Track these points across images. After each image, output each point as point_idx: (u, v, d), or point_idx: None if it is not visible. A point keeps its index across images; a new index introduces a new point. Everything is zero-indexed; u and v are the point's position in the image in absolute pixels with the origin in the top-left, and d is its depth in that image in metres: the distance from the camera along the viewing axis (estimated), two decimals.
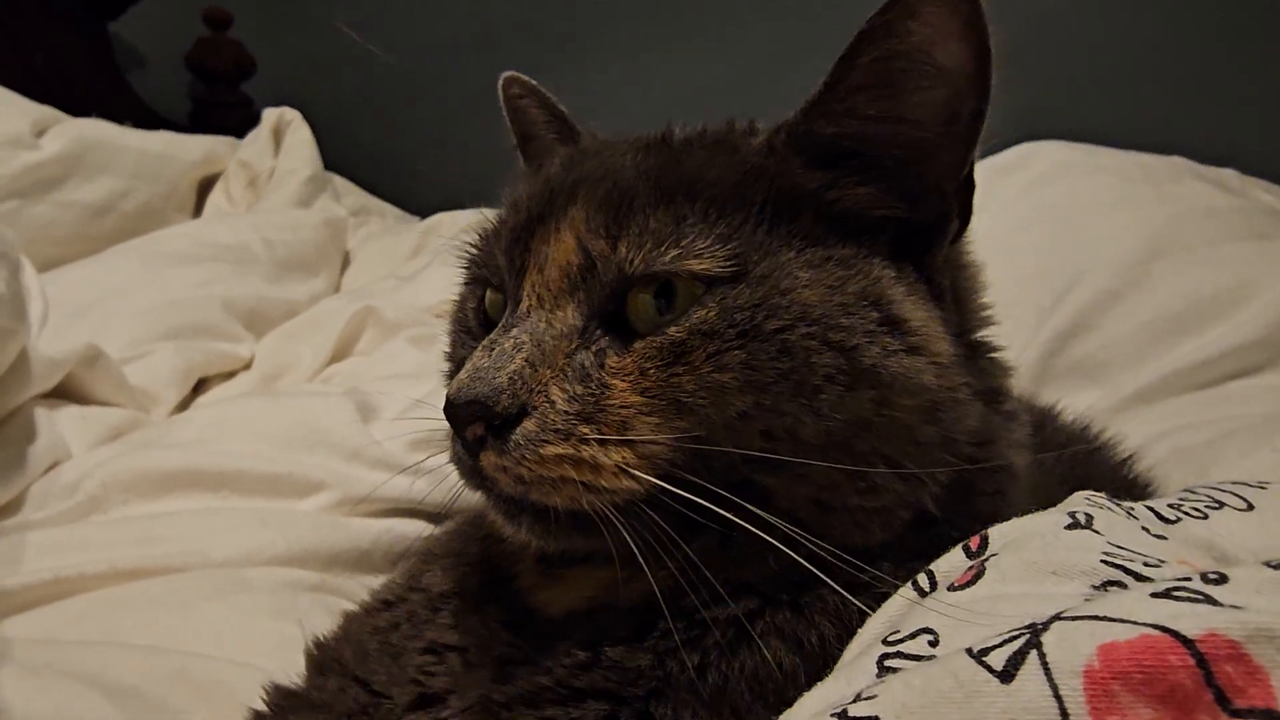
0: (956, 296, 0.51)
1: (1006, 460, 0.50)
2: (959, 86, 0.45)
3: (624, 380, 0.43)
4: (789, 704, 0.41)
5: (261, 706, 0.55)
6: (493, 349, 0.45)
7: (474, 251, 0.53)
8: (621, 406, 0.42)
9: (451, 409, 0.43)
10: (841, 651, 0.42)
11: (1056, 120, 1.43)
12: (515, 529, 0.46)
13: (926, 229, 0.48)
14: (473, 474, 0.45)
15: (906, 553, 0.45)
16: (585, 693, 0.44)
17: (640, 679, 0.44)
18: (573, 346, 0.44)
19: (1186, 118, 1.63)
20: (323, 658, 0.56)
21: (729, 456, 0.42)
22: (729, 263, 0.43)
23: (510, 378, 0.43)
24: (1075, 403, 0.91)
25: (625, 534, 0.42)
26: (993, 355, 0.52)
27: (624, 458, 0.42)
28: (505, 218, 0.50)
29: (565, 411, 0.43)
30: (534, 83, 0.61)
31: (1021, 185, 1.27)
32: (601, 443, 0.42)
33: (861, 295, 0.44)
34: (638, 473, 0.42)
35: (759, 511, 0.42)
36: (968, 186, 0.48)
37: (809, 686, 0.41)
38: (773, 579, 0.45)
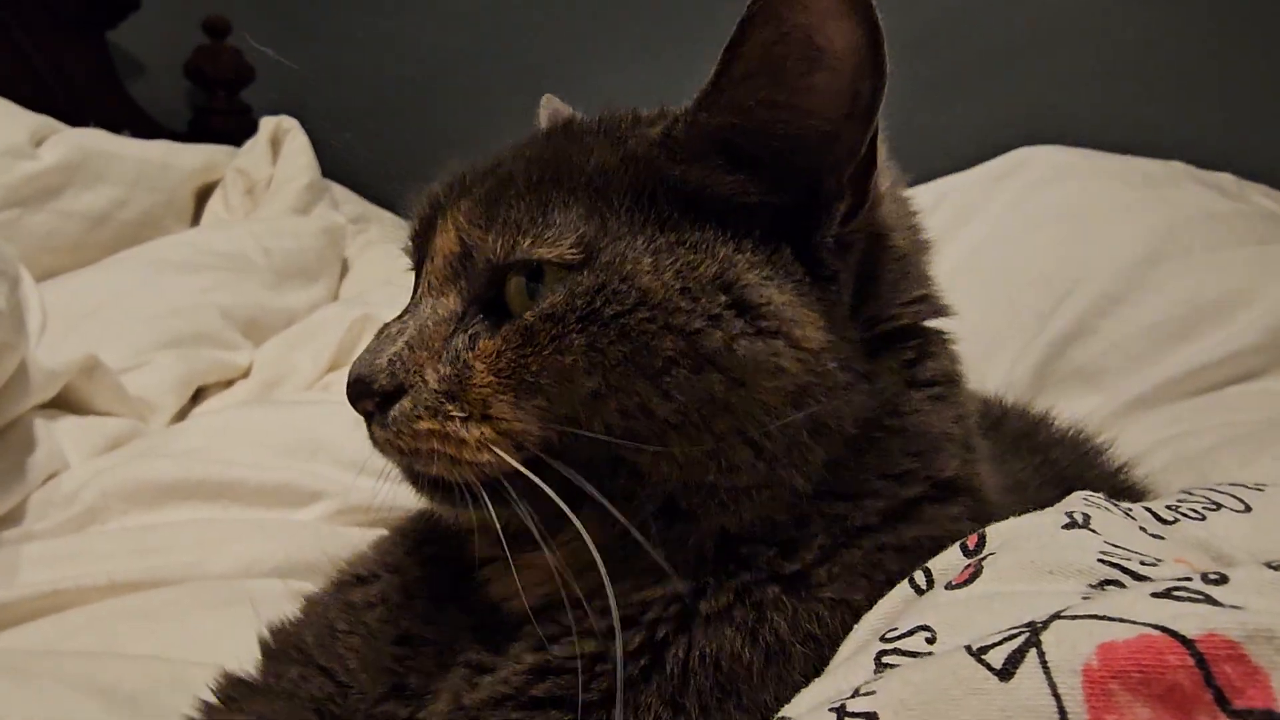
0: (866, 281, 0.49)
1: (922, 448, 0.49)
2: (847, 69, 0.44)
3: (483, 362, 0.46)
4: (760, 706, 0.42)
5: (210, 697, 0.54)
6: (383, 334, 0.49)
7: (407, 243, 0.55)
8: (481, 386, 0.45)
9: (348, 388, 0.48)
10: (796, 648, 0.43)
11: (1054, 125, 1.43)
12: (420, 497, 0.50)
13: (808, 212, 0.47)
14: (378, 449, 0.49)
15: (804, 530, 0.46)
16: (544, 701, 0.45)
17: (593, 680, 0.44)
18: (450, 331, 0.48)
19: (1184, 122, 1.64)
20: (281, 644, 0.55)
21: (594, 435, 0.44)
22: (577, 250, 0.45)
23: (390, 359, 0.47)
24: (1075, 408, 0.91)
25: (494, 506, 0.45)
26: (918, 342, 0.51)
27: (483, 433, 0.45)
28: (418, 210, 0.53)
29: (435, 390, 0.46)
30: (566, 106, 0.64)
31: (1019, 190, 1.28)
32: (465, 419, 0.45)
33: (712, 279, 0.45)
34: (497, 449, 0.44)
35: (633, 488, 0.45)
36: (865, 167, 0.47)
37: (775, 682, 0.42)
38: (695, 564, 0.46)
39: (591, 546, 0.43)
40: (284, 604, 0.72)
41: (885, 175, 0.51)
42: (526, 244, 0.45)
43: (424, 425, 0.45)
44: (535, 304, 0.45)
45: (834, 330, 0.46)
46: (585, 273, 0.45)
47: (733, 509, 0.46)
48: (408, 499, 0.53)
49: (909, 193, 0.56)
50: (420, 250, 0.51)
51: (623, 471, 0.46)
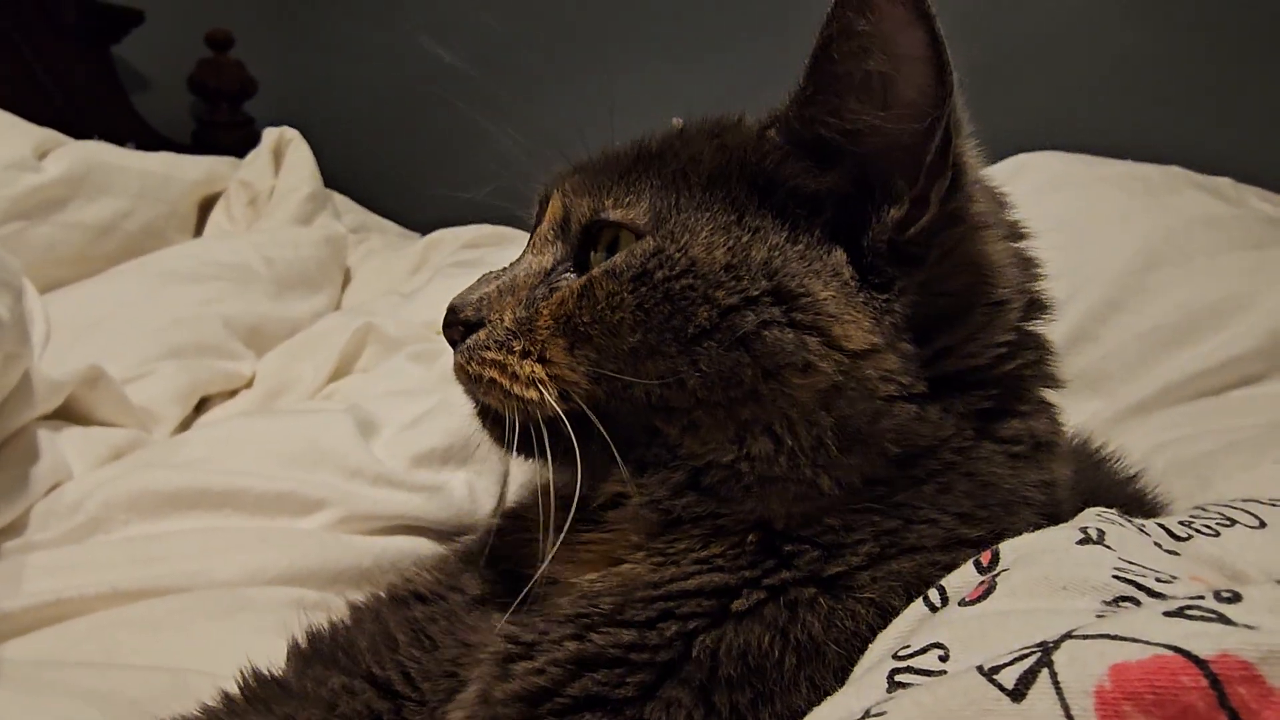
0: (952, 312, 0.49)
1: (991, 501, 0.47)
2: (908, 75, 0.45)
3: (549, 308, 0.50)
4: (794, 714, 0.41)
5: (233, 689, 0.54)
6: (484, 278, 0.55)
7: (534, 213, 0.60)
8: (542, 328, 0.50)
9: (445, 315, 0.54)
10: (830, 647, 0.43)
11: (1053, 131, 1.43)
12: (483, 429, 0.54)
13: (864, 214, 0.48)
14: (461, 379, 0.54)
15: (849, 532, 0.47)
16: (581, 703, 0.44)
17: (629, 672, 0.44)
18: (538, 281, 0.53)
19: (1183, 126, 1.64)
20: (320, 649, 0.56)
21: (632, 394, 0.47)
22: (647, 218, 0.49)
23: (480, 297, 0.53)
24: (1076, 414, 0.91)
25: (548, 443, 0.48)
26: (998, 393, 0.49)
27: (534, 371, 0.49)
28: (541, 188, 0.58)
29: (507, 328, 0.51)
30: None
31: (1018, 196, 1.27)
32: (523, 355, 0.50)
33: (760, 263, 0.47)
34: (543, 389, 0.48)
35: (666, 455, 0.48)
36: (928, 178, 0.47)
37: (808, 685, 0.42)
38: (734, 556, 0.47)
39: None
40: (287, 612, 0.72)
41: (987, 210, 0.52)
42: (609, 205, 0.50)
43: (490, 355, 0.50)
44: (601, 262, 0.49)
45: (881, 338, 0.46)
46: (649, 238, 0.49)
47: (757, 496, 0.47)
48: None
49: (1036, 254, 0.56)
50: (539, 214, 0.57)
51: (657, 441, 0.49)
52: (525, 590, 0.50)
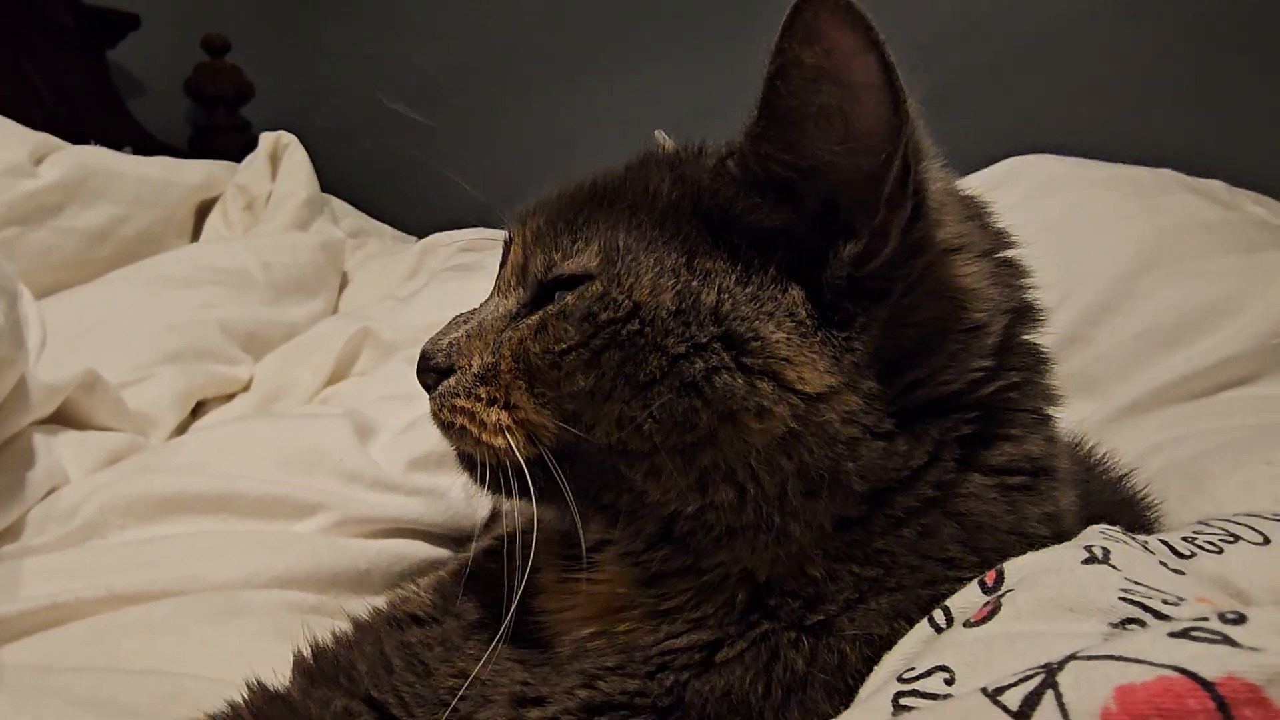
0: (923, 342, 0.46)
1: (983, 545, 0.46)
2: (861, 105, 0.43)
3: (509, 348, 0.50)
4: None
5: (239, 700, 0.55)
6: (453, 321, 0.55)
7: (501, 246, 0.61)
8: (505, 373, 0.50)
9: (417, 360, 0.54)
10: (817, 675, 0.44)
11: (1046, 134, 1.44)
12: (461, 471, 0.54)
13: (823, 250, 0.46)
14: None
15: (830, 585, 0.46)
16: None
17: (635, 716, 0.46)
18: (503, 326, 0.52)
19: (1175, 129, 1.65)
20: (324, 668, 0.56)
21: (594, 437, 0.47)
22: (598, 260, 0.48)
23: (450, 342, 0.53)
24: (1069, 415, 0.91)
25: (516, 488, 0.49)
26: (978, 415, 0.47)
27: (500, 417, 0.49)
28: (508, 224, 0.58)
29: (475, 374, 0.51)
30: (670, 141, 0.68)
31: (1011, 200, 1.27)
32: (490, 401, 0.50)
33: (709, 308, 0.45)
34: (509, 436, 0.49)
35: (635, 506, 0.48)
36: (888, 210, 0.44)
37: (799, 709, 0.43)
38: (723, 613, 0.47)
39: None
40: (283, 615, 0.72)
41: (956, 235, 0.49)
42: (560, 260, 0.50)
43: (460, 403, 0.51)
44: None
45: (841, 378, 0.44)
46: (597, 280, 0.48)
47: (729, 547, 0.46)
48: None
49: (1025, 260, 0.53)
50: (505, 254, 0.57)
51: (624, 487, 0.48)
52: (505, 622, 0.51)
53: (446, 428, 0.52)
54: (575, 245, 0.49)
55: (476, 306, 0.56)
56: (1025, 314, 0.52)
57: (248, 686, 0.55)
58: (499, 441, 0.49)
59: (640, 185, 0.50)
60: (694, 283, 0.46)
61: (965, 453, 0.47)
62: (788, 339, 0.45)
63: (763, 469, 0.45)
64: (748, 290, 0.46)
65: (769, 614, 0.46)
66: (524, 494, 0.48)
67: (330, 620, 0.73)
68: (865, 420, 0.45)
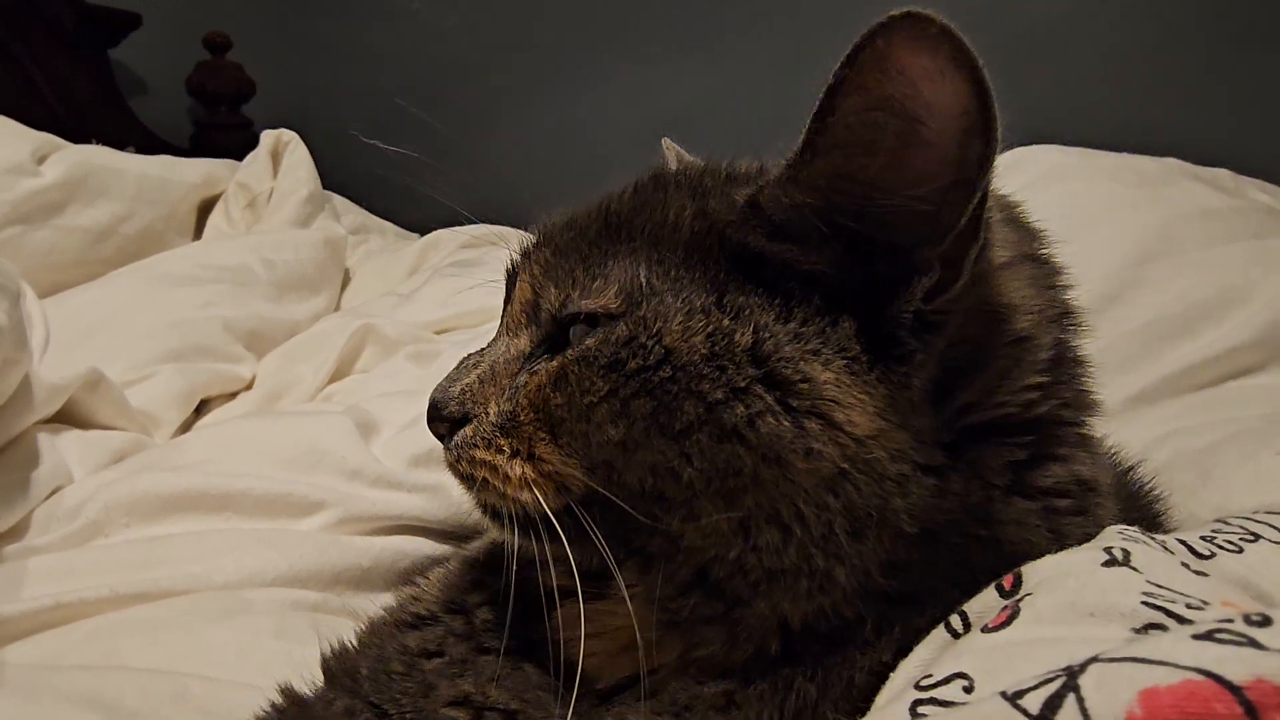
0: (969, 364, 0.44)
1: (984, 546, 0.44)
2: (948, 136, 0.39)
3: (527, 398, 0.47)
4: None
5: (269, 708, 0.54)
6: (463, 364, 0.52)
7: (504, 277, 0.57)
8: (526, 423, 0.47)
9: (427, 410, 0.51)
10: (826, 705, 0.43)
11: (1050, 124, 1.43)
12: (482, 519, 0.51)
13: (887, 285, 0.43)
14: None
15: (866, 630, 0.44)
16: None
17: None
18: (518, 369, 0.50)
19: (1180, 118, 1.64)
20: (337, 668, 0.55)
21: (626, 484, 0.44)
22: (618, 301, 0.45)
23: (462, 389, 0.50)
24: None
25: (546, 536, 0.46)
26: (1031, 439, 0.45)
27: (524, 471, 0.46)
28: (511, 256, 0.55)
29: (493, 424, 0.48)
30: (681, 150, 0.67)
31: (1016, 190, 1.27)
32: (512, 455, 0.47)
33: (745, 349, 0.42)
34: (536, 490, 0.46)
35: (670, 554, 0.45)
36: (962, 240, 0.41)
37: None
38: (755, 660, 0.46)
39: (630, 607, 0.44)
40: (287, 613, 0.72)
41: (1003, 248, 0.46)
42: (577, 295, 0.47)
43: (479, 454, 0.48)
44: (575, 347, 0.46)
45: (893, 416, 0.42)
46: (621, 323, 0.45)
47: (766, 594, 0.44)
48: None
49: (1057, 259, 0.50)
50: (509, 290, 0.54)
51: (658, 534, 0.45)
52: (500, 644, 0.50)
53: (467, 480, 0.49)
54: (593, 281, 0.46)
55: (485, 347, 0.53)
56: (1069, 319, 0.49)
57: (278, 692, 0.55)
58: (525, 496, 0.46)
59: (658, 212, 0.47)
60: (726, 322, 0.43)
61: (1015, 477, 0.45)
62: (836, 379, 0.42)
63: (809, 509, 0.42)
64: (789, 326, 0.43)
65: (793, 659, 0.45)
66: (554, 540, 0.46)
67: (332, 618, 0.73)
68: (917, 457, 0.42)
